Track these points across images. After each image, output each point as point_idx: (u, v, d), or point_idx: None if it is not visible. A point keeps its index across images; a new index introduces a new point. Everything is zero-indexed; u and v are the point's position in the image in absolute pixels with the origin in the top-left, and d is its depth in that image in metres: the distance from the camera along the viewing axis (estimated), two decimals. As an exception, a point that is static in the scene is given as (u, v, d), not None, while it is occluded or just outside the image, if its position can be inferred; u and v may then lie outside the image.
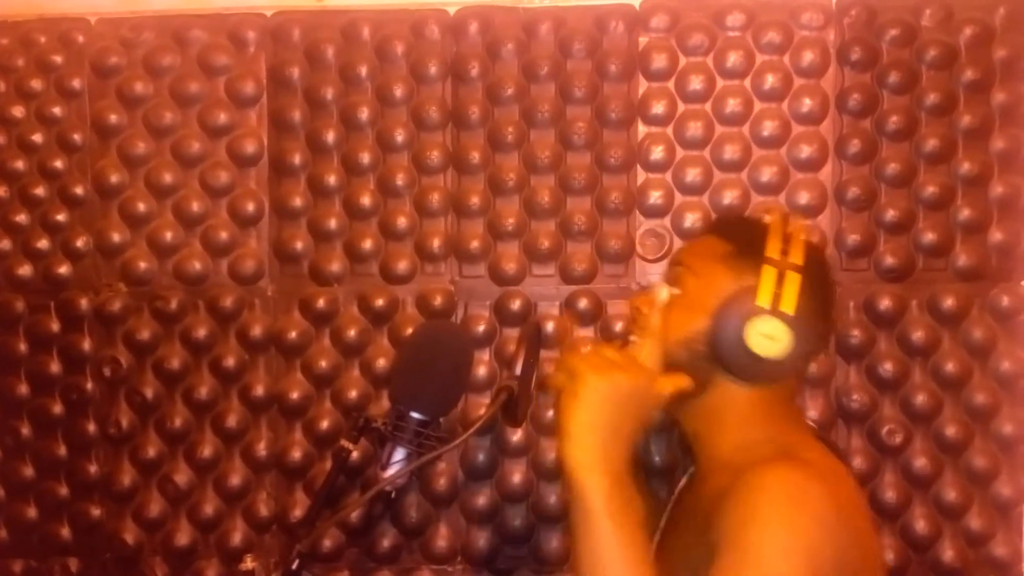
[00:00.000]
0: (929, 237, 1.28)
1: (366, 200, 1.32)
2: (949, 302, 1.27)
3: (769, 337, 0.87)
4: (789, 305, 0.87)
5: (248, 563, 1.06)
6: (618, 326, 1.29)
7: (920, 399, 1.27)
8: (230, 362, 1.33)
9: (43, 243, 1.36)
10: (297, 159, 1.33)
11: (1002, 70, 1.27)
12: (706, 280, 0.93)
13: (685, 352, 0.91)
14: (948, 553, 1.27)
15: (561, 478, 0.81)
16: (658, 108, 1.29)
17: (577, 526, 0.78)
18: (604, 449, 0.80)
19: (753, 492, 0.79)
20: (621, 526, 0.77)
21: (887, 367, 1.27)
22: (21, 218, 1.36)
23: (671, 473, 1.29)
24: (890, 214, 1.28)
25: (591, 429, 0.80)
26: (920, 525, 1.27)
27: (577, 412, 0.81)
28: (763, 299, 0.88)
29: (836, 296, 1.00)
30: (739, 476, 0.82)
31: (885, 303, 1.27)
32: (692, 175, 1.29)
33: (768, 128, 1.28)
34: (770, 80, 1.28)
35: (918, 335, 1.27)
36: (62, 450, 1.36)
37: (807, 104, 1.28)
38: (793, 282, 0.88)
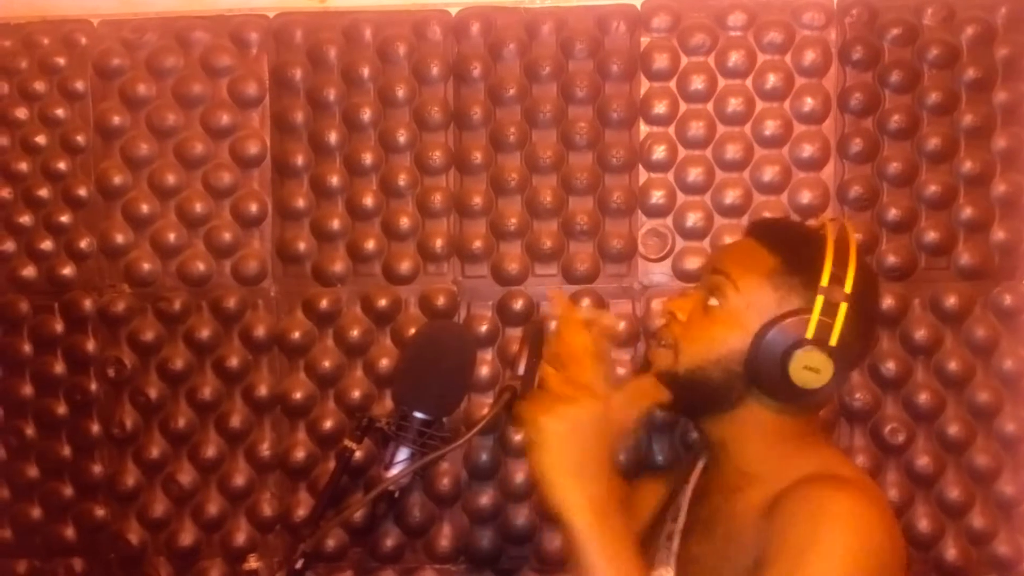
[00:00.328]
0: (931, 236, 1.28)
1: (369, 201, 1.33)
2: (951, 301, 1.27)
3: (813, 370, 0.85)
4: (835, 337, 0.85)
5: (252, 563, 1.07)
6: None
7: (923, 398, 1.27)
8: (233, 362, 1.34)
9: (47, 244, 1.36)
10: (300, 160, 1.33)
11: (1004, 69, 1.27)
12: (748, 296, 0.90)
13: (719, 371, 0.91)
14: (951, 552, 1.27)
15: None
16: (660, 108, 1.30)
17: (572, 558, 0.80)
18: (579, 485, 0.80)
19: (812, 516, 0.79)
20: (611, 556, 0.78)
21: (889, 366, 1.27)
22: (25, 219, 1.36)
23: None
24: (892, 213, 1.28)
25: (559, 471, 0.80)
26: (923, 524, 1.27)
27: (542, 459, 0.81)
28: (811, 330, 0.86)
29: (878, 320, 0.98)
30: (788, 494, 0.82)
31: (887, 302, 1.27)
32: (694, 175, 1.29)
33: (770, 128, 1.29)
34: (772, 80, 1.28)
35: (920, 334, 1.27)
36: (66, 450, 1.37)
37: (809, 103, 1.28)
38: (842, 314, 0.86)
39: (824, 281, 0.86)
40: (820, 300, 0.86)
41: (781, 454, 0.91)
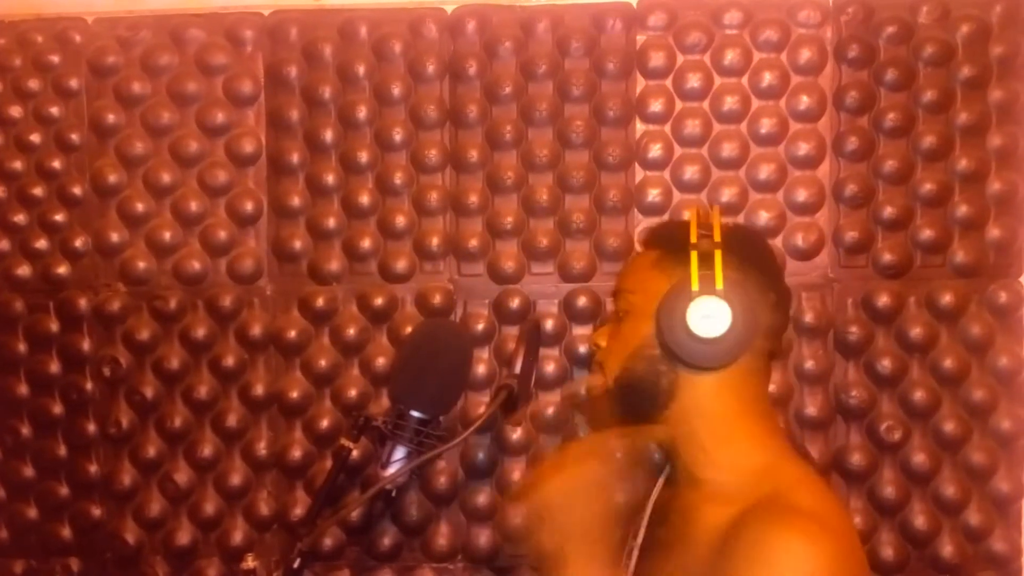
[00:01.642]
0: (927, 234, 1.28)
1: (364, 199, 1.32)
2: (947, 298, 1.27)
3: (709, 316, 0.87)
4: (719, 281, 0.88)
5: (249, 562, 1.07)
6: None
7: (918, 395, 1.27)
8: (229, 361, 1.33)
9: (42, 243, 1.36)
10: (295, 158, 1.33)
11: (999, 67, 1.28)
12: (643, 290, 0.95)
13: (640, 361, 0.93)
14: (947, 549, 1.27)
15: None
16: (656, 106, 1.30)
17: None
18: (588, 551, 0.86)
19: (755, 561, 0.79)
20: None
21: (885, 363, 1.28)
22: (19, 218, 1.36)
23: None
24: (888, 211, 1.28)
25: (567, 542, 0.86)
26: (919, 521, 1.27)
27: (544, 538, 0.87)
28: (694, 284, 0.88)
29: (775, 263, 1.01)
30: (739, 530, 0.82)
31: (883, 300, 1.28)
32: (690, 173, 1.29)
33: (766, 126, 1.29)
34: (768, 78, 1.28)
35: (916, 331, 1.27)
36: (62, 450, 1.37)
37: (805, 101, 1.28)
38: (718, 258, 0.88)
39: (693, 238, 0.90)
40: (694, 255, 0.89)
41: (734, 453, 0.91)
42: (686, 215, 1.02)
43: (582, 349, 1.30)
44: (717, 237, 0.90)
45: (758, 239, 1.03)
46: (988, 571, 1.27)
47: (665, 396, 0.93)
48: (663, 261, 0.96)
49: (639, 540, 0.98)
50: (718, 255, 0.89)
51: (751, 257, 0.95)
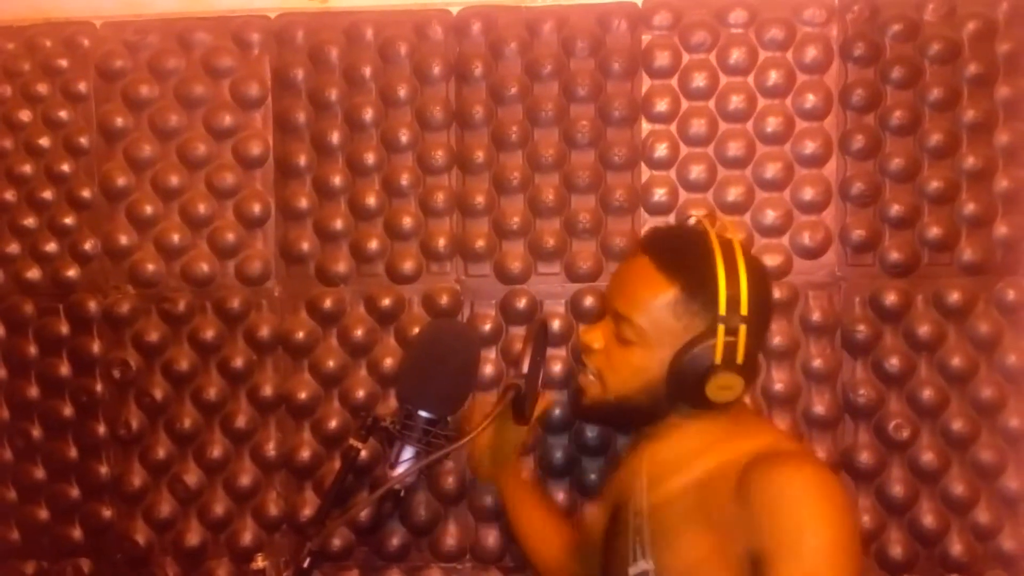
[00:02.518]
0: (934, 232, 1.28)
1: (371, 200, 1.33)
2: (955, 296, 1.27)
3: (727, 388, 0.94)
4: (741, 355, 0.93)
5: (259, 562, 1.07)
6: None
7: (927, 393, 1.27)
8: (238, 363, 1.34)
9: (51, 246, 1.37)
10: (302, 160, 1.34)
11: (1005, 64, 1.27)
12: (656, 330, 0.96)
13: (644, 396, 0.98)
14: (956, 547, 1.27)
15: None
16: (661, 105, 1.30)
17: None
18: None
19: (793, 502, 0.87)
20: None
21: (893, 362, 1.27)
22: (29, 222, 1.37)
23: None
24: (895, 209, 1.28)
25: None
26: (928, 519, 1.27)
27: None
28: (718, 355, 0.93)
29: (771, 315, 1.06)
30: (752, 477, 0.90)
31: (891, 298, 1.27)
32: (696, 172, 1.29)
33: (772, 124, 1.29)
34: (773, 76, 1.28)
35: (924, 330, 1.27)
36: (73, 452, 1.37)
37: (810, 100, 1.28)
38: (743, 335, 0.93)
39: (722, 310, 0.93)
40: (721, 329, 0.93)
41: (722, 437, 0.98)
42: (694, 224, 1.02)
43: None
44: (744, 310, 0.93)
45: (768, 289, 1.03)
46: (997, 569, 1.27)
47: (660, 416, 1.00)
48: (680, 304, 0.95)
49: (645, 517, 1.00)
50: (743, 331, 0.93)
51: (765, 318, 1.00)
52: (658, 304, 0.96)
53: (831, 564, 0.85)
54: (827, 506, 0.87)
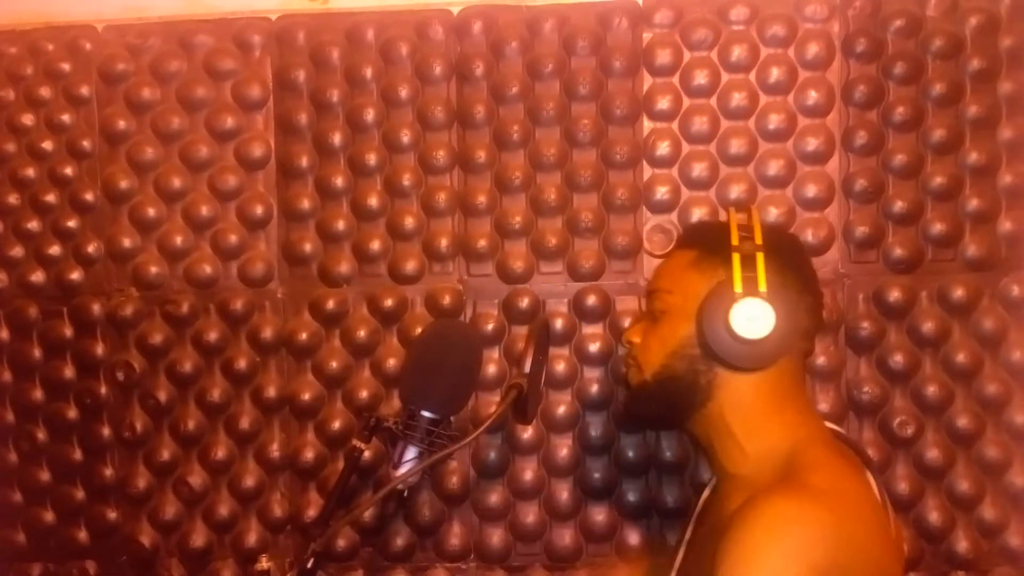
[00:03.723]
0: (938, 228, 1.27)
1: (373, 201, 1.33)
2: (959, 293, 1.26)
3: (752, 319, 0.88)
4: (762, 283, 0.89)
5: (263, 563, 1.07)
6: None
7: (931, 390, 1.27)
8: (242, 364, 1.34)
9: (55, 249, 1.37)
10: (304, 162, 1.34)
11: (1008, 59, 1.27)
12: (682, 290, 0.97)
13: (680, 360, 0.95)
14: (962, 544, 1.27)
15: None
16: (663, 103, 1.29)
17: None
18: None
19: (745, 535, 0.79)
20: None
21: (897, 359, 1.27)
22: (33, 225, 1.37)
23: (683, 469, 1.29)
24: (898, 205, 1.28)
25: None
26: (933, 516, 1.27)
27: None
28: (737, 286, 0.89)
29: (811, 266, 1.02)
30: (749, 500, 0.83)
31: (895, 295, 1.27)
32: (698, 170, 1.29)
33: (774, 121, 1.28)
34: (775, 73, 1.28)
35: (928, 326, 1.27)
36: (77, 454, 1.38)
37: (813, 97, 1.28)
38: (760, 261, 0.90)
39: (734, 240, 0.91)
40: (736, 257, 0.90)
41: (768, 445, 0.91)
42: (722, 216, 1.05)
43: (592, 348, 1.30)
44: (759, 239, 0.91)
45: (795, 241, 1.04)
46: (1003, 566, 1.27)
47: (703, 394, 0.95)
48: (701, 262, 0.96)
49: (686, 537, 1.00)
50: (760, 257, 0.90)
51: (790, 259, 0.96)
52: (680, 265, 0.98)
53: None
54: (781, 558, 0.77)
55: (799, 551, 0.77)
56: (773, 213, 1.28)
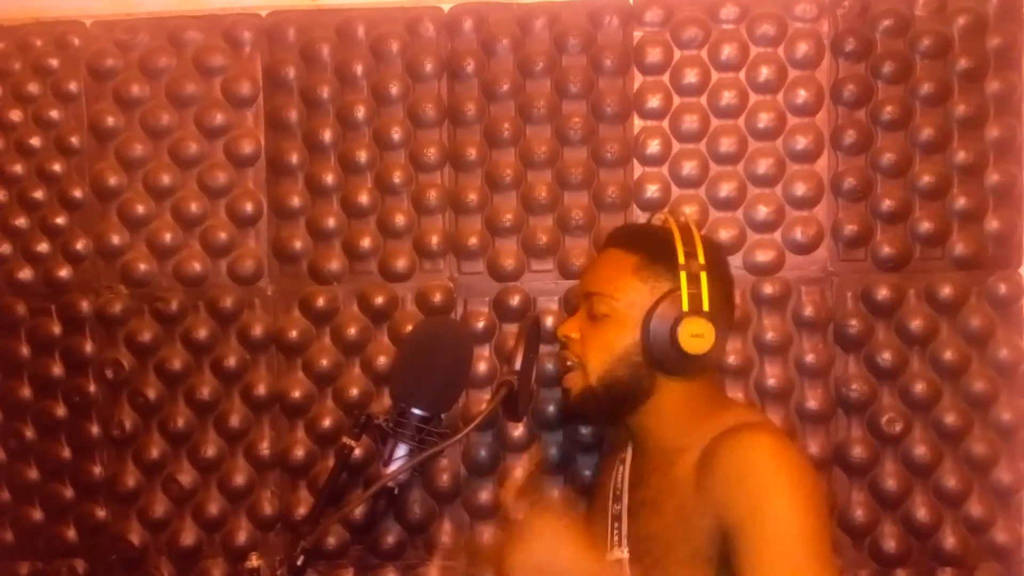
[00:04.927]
0: (925, 226, 1.28)
1: (364, 198, 1.33)
2: (946, 291, 1.27)
3: (698, 336, 0.96)
4: (706, 302, 0.97)
5: (253, 561, 1.07)
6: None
7: (919, 388, 1.27)
8: (231, 362, 1.34)
9: (43, 246, 1.36)
10: (294, 159, 1.34)
11: (996, 59, 1.28)
12: (625, 297, 1.00)
13: (624, 366, 1.00)
14: (949, 540, 1.28)
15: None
16: (654, 102, 1.30)
17: None
18: None
19: (755, 469, 0.90)
20: None
21: (886, 356, 1.28)
22: (21, 222, 1.36)
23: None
24: (886, 204, 1.29)
25: None
26: (921, 513, 1.28)
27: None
28: (684, 303, 0.97)
29: (730, 272, 1.07)
30: (715, 449, 0.94)
31: (883, 293, 1.28)
32: (688, 168, 1.30)
33: (763, 120, 1.29)
34: (765, 72, 1.28)
35: (916, 324, 1.28)
36: (66, 452, 1.37)
37: (802, 96, 1.28)
38: (704, 282, 0.97)
39: (680, 259, 0.98)
40: (683, 276, 0.98)
41: (698, 421, 0.99)
42: (655, 219, 1.11)
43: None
44: (701, 258, 0.98)
45: (722, 251, 1.11)
46: (990, 562, 1.28)
47: (644, 395, 1.01)
48: (643, 270, 1.00)
49: (624, 505, 1.04)
50: (704, 277, 0.97)
51: (723, 274, 1.04)
52: (624, 273, 1.01)
53: (799, 525, 0.87)
54: (788, 470, 0.90)
55: (805, 474, 0.91)
56: (762, 211, 1.29)
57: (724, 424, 0.96)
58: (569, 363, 1.04)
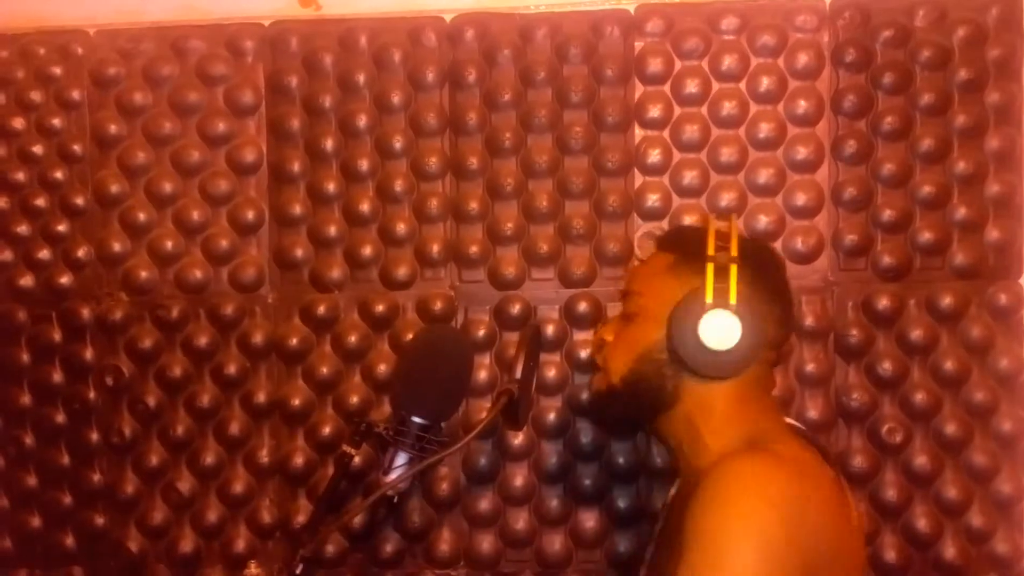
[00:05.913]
0: (926, 236, 1.28)
1: (365, 207, 1.33)
2: (947, 301, 1.27)
3: (720, 329, 0.89)
4: (733, 295, 0.90)
5: (252, 569, 1.07)
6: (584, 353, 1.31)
7: (919, 397, 1.27)
8: (231, 370, 1.34)
9: (44, 253, 1.37)
10: (296, 167, 1.34)
11: (996, 70, 1.28)
12: (655, 294, 0.96)
13: (648, 365, 0.95)
14: (950, 551, 1.27)
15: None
16: (654, 112, 1.30)
17: None
18: None
19: (712, 485, 0.81)
20: None
21: (886, 366, 1.28)
22: (22, 229, 1.37)
23: (674, 476, 1.29)
24: (887, 214, 1.29)
25: None
26: (921, 523, 1.27)
27: None
28: (708, 295, 0.90)
29: (785, 277, 1.01)
30: (704, 477, 0.84)
31: (883, 302, 1.28)
32: (689, 178, 1.30)
33: (764, 130, 1.29)
34: (765, 82, 1.29)
35: (917, 334, 1.28)
36: (65, 459, 1.37)
37: (802, 106, 1.29)
38: (733, 272, 0.90)
39: (710, 250, 0.92)
40: (710, 267, 0.91)
41: (729, 440, 0.91)
42: (698, 220, 1.07)
43: (583, 354, 1.30)
44: (734, 251, 0.92)
45: (772, 253, 1.04)
46: (991, 573, 1.27)
47: (670, 399, 0.95)
48: (677, 267, 0.96)
49: (657, 529, 1.02)
50: (733, 270, 0.90)
51: (763, 270, 0.97)
52: (656, 269, 0.98)
53: (725, 555, 0.76)
54: (747, 497, 0.79)
55: (761, 500, 0.78)
56: (763, 221, 1.29)
57: (738, 445, 0.88)
58: (596, 367, 1.02)
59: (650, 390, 0.96)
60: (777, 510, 0.78)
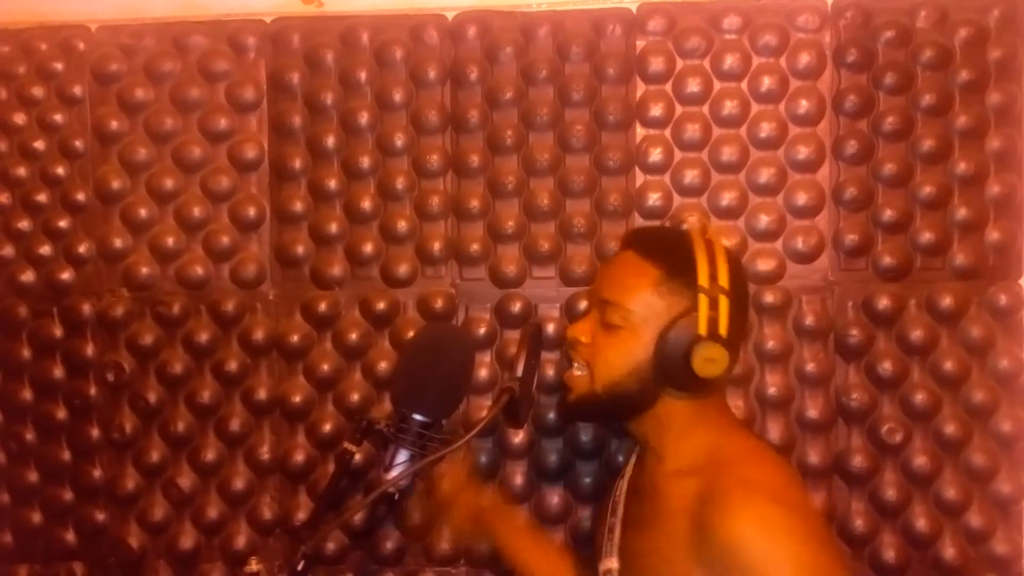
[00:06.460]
0: (926, 236, 1.29)
1: (366, 204, 1.33)
2: (947, 301, 1.28)
3: (711, 360, 0.93)
4: (724, 328, 0.94)
5: (252, 566, 1.07)
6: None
7: (919, 397, 1.28)
8: (232, 366, 1.34)
9: (45, 249, 1.37)
10: (297, 164, 1.34)
11: (997, 71, 1.28)
12: (641, 311, 0.97)
13: (633, 381, 0.98)
14: (949, 551, 1.28)
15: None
16: (656, 110, 1.30)
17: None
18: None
19: (750, 548, 0.84)
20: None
21: (886, 366, 1.28)
22: (24, 224, 1.37)
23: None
24: (887, 214, 1.29)
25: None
26: (921, 523, 1.28)
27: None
28: (701, 327, 0.94)
29: (749, 297, 1.05)
30: (713, 511, 0.88)
31: (883, 302, 1.28)
32: (690, 177, 1.30)
33: (765, 130, 1.29)
34: (767, 82, 1.29)
35: (917, 334, 1.28)
36: (66, 455, 1.37)
37: (804, 106, 1.29)
38: (724, 306, 0.95)
39: (703, 281, 0.95)
40: (704, 300, 0.94)
41: (698, 441, 0.97)
42: (685, 226, 1.08)
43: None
44: (726, 283, 0.95)
45: (742, 269, 1.06)
46: (990, 573, 1.28)
47: (647, 407, 0.99)
48: (663, 285, 0.97)
49: (619, 516, 1.03)
50: (724, 303, 0.94)
51: (742, 299, 1.00)
52: (642, 284, 0.97)
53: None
54: (786, 541, 0.85)
55: (798, 522, 0.87)
56: (763, 220, 1.29)
57: (723, 456, 0.94)
58: (576, 365, 1.03)
59: (630, 401, 0.99)
60: (806, 525, 0.88)
